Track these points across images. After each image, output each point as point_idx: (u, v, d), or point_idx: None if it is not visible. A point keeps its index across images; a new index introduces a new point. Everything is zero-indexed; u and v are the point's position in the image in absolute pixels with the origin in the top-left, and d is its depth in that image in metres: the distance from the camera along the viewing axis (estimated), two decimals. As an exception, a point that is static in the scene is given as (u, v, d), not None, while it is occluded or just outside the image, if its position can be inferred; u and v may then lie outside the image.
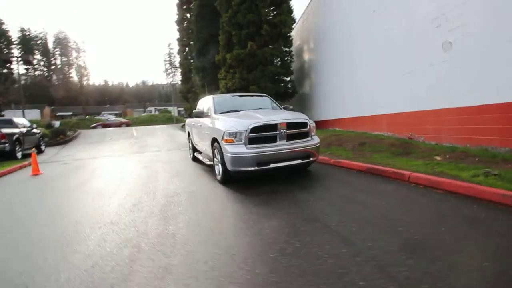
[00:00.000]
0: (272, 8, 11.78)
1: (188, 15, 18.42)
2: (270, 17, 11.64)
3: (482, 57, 4.73)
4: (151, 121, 35.19)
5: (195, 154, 7.15)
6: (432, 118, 5.95)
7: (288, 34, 12.19)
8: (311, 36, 13.01)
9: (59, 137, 15.74)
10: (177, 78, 66.78)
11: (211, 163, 5.39)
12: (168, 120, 33.17)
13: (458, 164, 4.37)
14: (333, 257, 2.03)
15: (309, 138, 4.66)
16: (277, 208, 3.22)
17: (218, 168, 4.79)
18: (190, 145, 7.87)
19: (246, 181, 4.61)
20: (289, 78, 12.75)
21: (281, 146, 4.28)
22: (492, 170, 3.65)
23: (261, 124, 4.22)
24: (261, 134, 4.22)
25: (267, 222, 2.81)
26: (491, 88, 4.62)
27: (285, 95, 12.71)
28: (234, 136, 4.20)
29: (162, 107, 52.31)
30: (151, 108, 54.58)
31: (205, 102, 6.16)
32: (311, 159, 4.55)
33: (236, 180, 4.57)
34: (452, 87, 5.35)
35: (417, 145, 6.05)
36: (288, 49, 12.44)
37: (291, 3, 12.32)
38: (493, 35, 4.51)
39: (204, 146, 5.72)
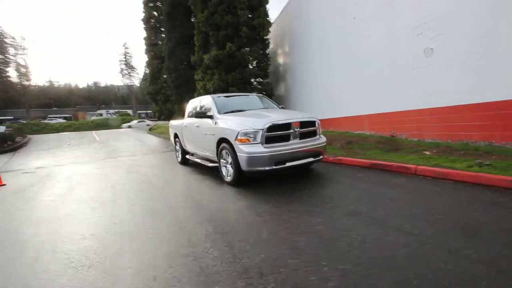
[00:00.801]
0: (249, 11, 11.83)
1: (156, 13, 17.58)
2: (248, 20, 11.67)
3: (461, 62, 5.35)
4: (108, 125, 32.69)
5: (187, 156, 6.82)
6: (414, 117, 6.53)
7: (266, 37, 12.36)
8: (286, 40, 13.36)
9: (6, 144, 13.74)
10: (135, 80, 63.46)
11: (214, 165, 5.21)
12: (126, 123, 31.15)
13: (448, 157, 4.86)
14: (404, 247, 2.11)
15: (318, 136, 4.78)
16: (311, 205, 3.23)
17: (227, 170, 4.65)
18: (178, 148, 7.51)
19: (256, 181, 4.53)
20: (266, 80, 12.89)
21: (296, 144, 4.31)
22: (484, 161, 4.14)
23: (278, 123, 4.21)
24: (277, 133, 4.20)
25: (312, 219, 2.81)
26: (470, 89, 5.24)
27: (263, 97, 12.83)
28: (249, 136, 4.12)
29: (115, 110, 48.87)
30: (103, 111, 50.65)
31: (202, 103, 5.93)
32: (321, 157, 4.67)
33: (247, 180, 4.48)
34: (434, 89, 5.94)
35: (402, 142, 6.58)
36: (265, 52, 12.60)
37: (267, 7, 12.54)
38: (472, 42, 5.13)
39: (204, 147, 5.50)
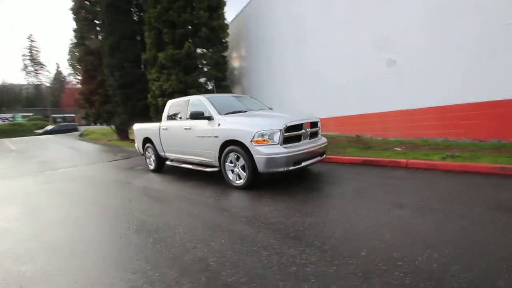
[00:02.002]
0: (208, 12, 11.47)
1: (88, 2, 15.34)
2: (207, 20, 11.30)
3: (420, 71, 6.36)
4: (16, 131, 26.76)
5: (168, 163, 6.18)
6: (378, 119, 7.44)
7: (225, 40, 12.18)
8: (242, 44, 13.47)
9: None
10: (43, 78, 53.86)
11: (214, 169, 4.88)
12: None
13: (420, 151, 5.70)
14: (461, 228, 2.42)
15: (319, 136, 4.99)
16: (356, 201, 3.36)
17: (236, 173, 4.42)
18: (150, 154, 6.73)
19: (269, 184, 4.45)
20: (225, 83, 12.68)
21: (307, 144, 4.41)
22: (453, 153, 5.02)
23: (294, 123, 4.22)
24: (293, 133, 4.22)
25: (370, 213, 2.93)
26: (426, 95, 6.29)
27: (221, 100, 12.55)
28: (268, 137, 4.02)
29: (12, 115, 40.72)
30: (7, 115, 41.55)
31: (191, 103, 5.47)
32: (325, 156, 4.89)
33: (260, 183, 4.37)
34: (396, 95, 6.90)
35: (370, 141, 7.40)
36: (224, 54, 12.40)
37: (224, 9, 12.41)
38: (429, 54, 6.17)
39: (199, 152, 5.10)
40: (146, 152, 6.94)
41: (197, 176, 5.63)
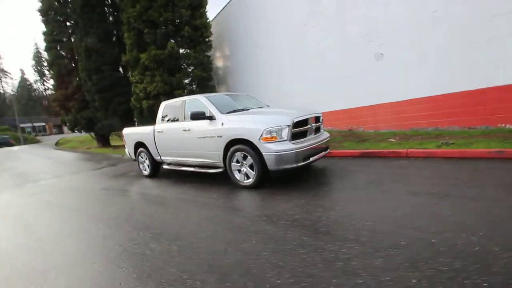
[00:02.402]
0: (190, 11, 11.18)
1: (57, 3, 14.41)
2: (190, 19, 11.01)
3: (408, 64, 6.58)
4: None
5: (165, 167, 5.93)
6: (369, 112, 7.61)
7: (208, 39, 11.94)
8: (225, 43, 13.29)
9: None
10: (7, 86, 50.11)
11: (217, 170, 4.75)
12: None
13: (414, 141, 5.90)
14: (481, 207, 2.50)
15: (322, 131, 5.00)
16: (370, 192, 3.38)
17: (244, 173, 4.31)
18: (144, 159, 6.45)
19: (277, 182, 4.40)
20: (211, 83, 12.45)
21: (313, 140, 4.40)
22: (447, 141, 5.24)
23: (300, 119, 4.19)
24: (300, 129, 4.19)
25: (390, 202, 2.95)
26: (415, 86, 6.52)
27: (208, 101, 12.31)
28: (276, 133, 3.96)
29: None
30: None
31: (189, 104, 5.28)
32: (328, 150, 4.91)
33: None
34: (386, 87, 7.09)
35: (363, 134, 7.57)
36: (208, 54, 12.16)
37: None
38: (416, 47, 6.39)
39: (200, 153, 4.93)
40: (139, 157, 6.63)
41: (196, 178, 5.47)
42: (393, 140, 6.41)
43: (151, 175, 6.38)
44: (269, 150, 3.94)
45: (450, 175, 3.71)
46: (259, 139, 4.00)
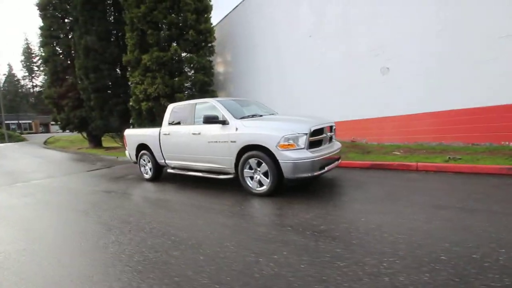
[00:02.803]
0: (195, 15, 11.16)
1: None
2: (195, 24, 10.98)
3: (413, 79, 6.73)
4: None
5: (170, 171, 5.75)
6: (373, 124, 7.70)
7: (212, 44, 11.93)
8: (228, 49, 13.30)
9: None
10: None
11: (228, 177, 4.63)
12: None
13: (419, 155, 5.97)
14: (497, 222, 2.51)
15: (334, 141, 4.99)
16: (395, 206, 3.35)
17: (257, 180, 4.22)
18: (145, 162, 6.25)
19: (289, 191, 4.32)
20: (211, 88, 12.36)
21: (328, 149, 4.37)
22: (455, 156, 5.32)
23: (318, 127, 4.16)
24: (316, 137, 4.15)
25: (417, 216, 2.92)
26: (420, 101, 6.65)
27: (208, 105, 12.19)
28: (294, 141, 3.90)
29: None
30: None
31: (200, 107, 5.18)
32: (340, 160, 4.88)
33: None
34: (390, 101, 7.21)
35: (367, 146, 7.62)
36: (210, 59, 12.11)
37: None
38: (422, 63, 6.55)
39: (210, 158, 4.81)
40: (141, 160, 6.42)
41: (202, 184, 5.34)
42: (397, 153, 6.47)
43: (153, 179, 6.18)
44: (286, 157, 3.87)
45: (468, 189, 3.73)
46: (276, 146, 3.93)
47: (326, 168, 4.16)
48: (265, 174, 4.14)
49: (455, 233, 2.44)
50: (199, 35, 11.08)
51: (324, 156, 4.12)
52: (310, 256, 2.25)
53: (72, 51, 13.27)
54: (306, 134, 3.96)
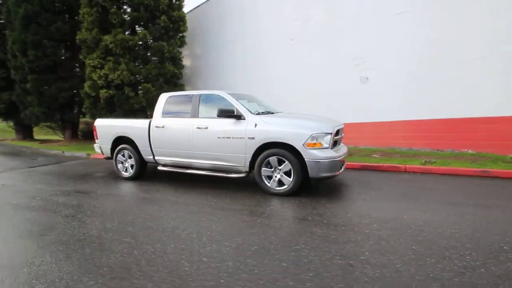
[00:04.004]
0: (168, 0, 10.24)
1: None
2: (167, 9, 10.06)
3: (391, 89, 7.43)
4: None
5: (160, 168, 5.10)
6: (351, 129, 8.17)
7: (183, 34, 11.12)
8: (197, 42, 12.58)
9: None
10: None
11: (241, 175, 4.34)
12: None
13: (396, 158, 6.59)
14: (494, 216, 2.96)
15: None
16: (404, 203, 3.58)
17: (276, 179, 4.05)
18: (125, 158, 5.45)
19: (303, 191, 4.28)
20: (180, 81, 11.50)
21: (343, 149, 4.47)
22: (430, 160, 6.04)
23: (339, 127, 4.22)
24: (336, 138, 4.21)
25: (441, 213, 3.18)
26: (395, 110, 7.39)
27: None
28: (320, 140, 3.88)
29: None
30: None
31: (205, 100, 4.73)
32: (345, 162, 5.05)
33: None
34: (369, 108, 7.81)
35: (344, 148, 8.09)
36: (180, 50, 11.26)
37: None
38: (397, 76, 7.29)
39: (219, 155, 4.45)
40: (119, 155, 5.54)
41: (195, 182, 4.94)
42: (376, 156, 7.04)
43: (134, 177, 5.41)
44: (313, 156, 3.81)
45: (463, 188, 4.23)
46: (303, 145, 3.84)
47: (342, 168, 4.26)
48: (287, 173, 4.01)
49: (496, 227, 2.74)
50: (171, 23, 10.22)
51: (343, 156, 4.21)
52: (389, 256, 2.23)
53: (1, 20, 10.74)
54: (331, 133, 3.97)
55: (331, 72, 8.46)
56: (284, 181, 4.03)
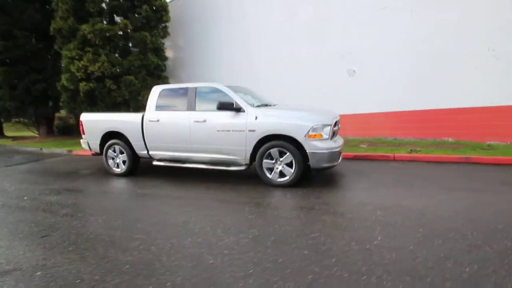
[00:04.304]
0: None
1: None
2: (148, -3, 9.62)
3: (376, 82, 7.69)
4: None
5: (156, 163, 4.97)
6: (340, 120, 8.42)
7: (166, 24, 10.71)
8: (181, 33, 12.16)
9: None
10: None
11: (240, 168, 4.36)
12: None
13: (383, 148, 6.90)
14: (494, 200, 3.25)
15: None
16: (404, 190, 3.80)
17: (277, 171, 4.10)
18: (116, 153, 5.26)
19: (303, 181, 4.38)
20: (164, 74, 11.13)
21: (340, 141, 4.60)
22: (415, 149, 6.38)
23: (338, 119, 4.33)
24: (334, 129, 4.32)
25: (443, 196, 3.41)
26: (380, 102, 7.68)
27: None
28: (321, 131, 3.97)
29: None
30: None
31: (202, 92, 4.65)
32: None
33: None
34: (356, 100, 8.05)
35: (332, 139, 8.31)
36: (163, 41, 10.86)
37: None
38: (383, 71, 7.55)
39: (219, 148, 4.43)
40: (109, 151, 5.33)
41: (193, 176, 4.94)
42: (364, 146, 7.32)
43: (127, 173, 5.24)
44: (315, 147, 3.91)
45: (452, 174, 4.50)
46: (305, 136, 3.92)
47: (340, 159, 4.39)
48: (288, 165, 4.08)
49: (491, 208, 2.99)
50: (153, 12, 9.81)
51: (341, 147, 4.35)
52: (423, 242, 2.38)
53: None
54: (330, 125, 4.08)
55: (318, 66, 8.58)
56: (286, 173, 4.10)
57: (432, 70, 6.95)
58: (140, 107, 10.05)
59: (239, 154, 4.34)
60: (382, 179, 4.38)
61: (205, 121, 4.47)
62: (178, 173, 5.18)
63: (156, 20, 10.06)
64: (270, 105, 4.81)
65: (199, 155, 4.65)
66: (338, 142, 4.38)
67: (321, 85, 8.57)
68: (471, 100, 6.54)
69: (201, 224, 2.85)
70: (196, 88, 4.74)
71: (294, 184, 4.05)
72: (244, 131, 4.22)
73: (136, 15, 9.53)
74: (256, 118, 4.17)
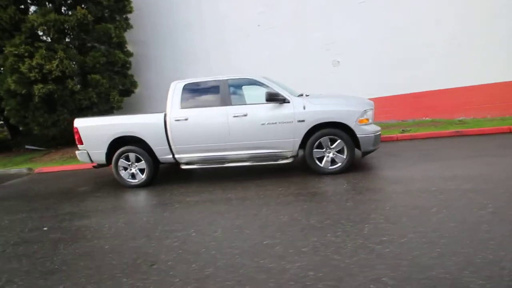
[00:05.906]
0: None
1: None
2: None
3: (359, 72, 8.29)
4: None
5: (185, 167, 4.45)
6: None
7: (127, 16, 9.50)
8: (145, 27, 10.91)
9: None
10: None
11: (287, 161, 4.24)
12: None
13: (377, 131, 7.54)
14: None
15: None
16: (437, 166, 4.24)
17: (328, 159, 4.11)
18: (128, 164, 4.56)
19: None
20: (130, 72, 9.90)
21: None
22: (405, 128, 7.13)
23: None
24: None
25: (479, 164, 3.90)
26: (363, 89, 8.33)
27: (125, 93, 9.73)
28: (368, 116, 4.14)
29: None
30: None
31: (234, 86, 4.34)
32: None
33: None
34: (342, 89, 8.53)
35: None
36: (125, 34, 9.62)
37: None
38: (365, 61, 8.19)
39: (263, 142, 4.22)
40: (120, 160, 4.54)
41: (223, 176, 4.62)
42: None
43: (147, 183, 4.57)
44: (366, 131, 4.05)
45: (460, 145, 5.16)
46: (356, 121, 4.01)
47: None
48: (339, 152, 4.12)
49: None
50: (115, 1, 8.62)
51: (379, 130, 4.59)
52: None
53: None
54: (372, 109, 4.27)
55: (302, 58, 8.81)
56: (337, 160, 4.14)
57: (407, 57, 7.84)
58: (108, 110, 8.81)
59: (286, 146, 4.20)
60: (408, 157, 4.75)
61: (246, 115, 4.18)
62: (202, 176, 4.76)
63: (118, 10, 8.88)
64: (302, 95, 4.76)
65: (238, 153, 4.34)
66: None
67: (305, 76, 8.80)
68: (442, 83, 7.63)
69: (274, 226, 2.67)
70: (228, 80, 4.38)
71: (345, 170, 4.12)
72: (292, 122, 4.09)
73: (95, 4, 8.22)
74: (304, 107, 4.09)
